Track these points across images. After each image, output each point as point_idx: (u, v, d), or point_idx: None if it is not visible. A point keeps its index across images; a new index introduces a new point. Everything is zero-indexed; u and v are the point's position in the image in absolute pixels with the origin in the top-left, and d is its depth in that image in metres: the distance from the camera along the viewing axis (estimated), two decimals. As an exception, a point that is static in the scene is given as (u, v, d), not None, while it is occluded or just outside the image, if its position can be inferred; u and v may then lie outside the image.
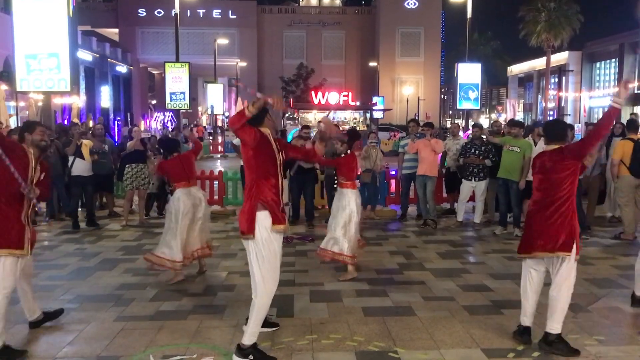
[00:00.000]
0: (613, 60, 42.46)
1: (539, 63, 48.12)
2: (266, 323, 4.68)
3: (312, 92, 39.26)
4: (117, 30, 53.12)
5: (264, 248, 4.26)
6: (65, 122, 26.03)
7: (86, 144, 9.92)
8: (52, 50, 11.38)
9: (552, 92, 47.20)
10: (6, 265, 4.46)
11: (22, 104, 27.69)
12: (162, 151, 7.37)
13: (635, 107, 39.29)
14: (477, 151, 9.57)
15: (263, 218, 4.28)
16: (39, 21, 11.19)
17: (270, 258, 4.30)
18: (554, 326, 4.56)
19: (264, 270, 4.26)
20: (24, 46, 11.58)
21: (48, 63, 11.44)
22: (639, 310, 5.53)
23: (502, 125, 10.95)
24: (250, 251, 4.31)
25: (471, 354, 4.50)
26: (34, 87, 12.46)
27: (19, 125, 17.29)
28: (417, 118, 17.21)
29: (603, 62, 44.55)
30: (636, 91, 38.44)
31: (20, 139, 4.85)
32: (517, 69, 56.92)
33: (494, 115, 62.32)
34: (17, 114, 27.06)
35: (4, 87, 26.34)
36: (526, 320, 4.78)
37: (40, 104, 23.93)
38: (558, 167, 4.51)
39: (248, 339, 4.29)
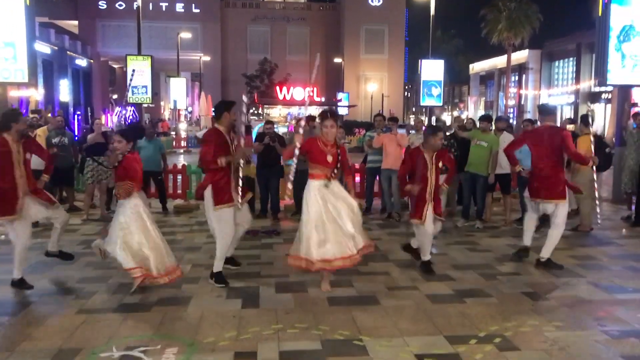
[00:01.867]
0: (571, 59, 43.55)
1: (500, 61, 49.01)
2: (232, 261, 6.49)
3: (277, 88, 39.18)
4: (76, 22, 51.88)
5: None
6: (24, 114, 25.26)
7: (40, 134, 9.64)
8: (8, 39, 11.05)
9: (512, 90, 48.16)
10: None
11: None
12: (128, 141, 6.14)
13: (592, 104, 40.43)
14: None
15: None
16: (-5, 10, 10.88)
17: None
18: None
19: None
20: (-22, 35, 11.20)
21: (4, 53, 11.09)
22: (595, 297, 5.71)
23: (471, 122, 11.10)
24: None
25: (434, 341, 4.57)
26: (-11, 78, 12.05)
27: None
28: (382, 113, 17.30)
29: (561, 60, 45.64)
30: (592, 89, 39.54)
31: (6, 129, 5.75)
32: (478, 67, 57.85)
33: (455, 113, 63.24)
34: (-29, 108, 26.25)
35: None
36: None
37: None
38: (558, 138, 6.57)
39: (217, 268, 6.03)
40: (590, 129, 9.30)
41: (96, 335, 4.66)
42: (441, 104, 27.44)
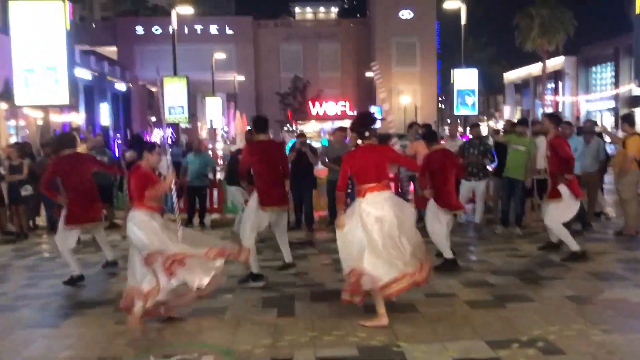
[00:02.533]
0: (609, 63, 42.57)
1: (535, 69, 48.28)
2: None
3: (310, 103, 39.39)
4: (115, 48, 53.37)
5: None
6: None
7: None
8: (50, 64, 11.43)
9: (549, 97, 47.32)
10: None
11: (22, 122, 27.77)
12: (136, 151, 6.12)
13: (633, 108, 39.37)
14: (475, 151, 9.54)
15: None
16: (37, 35, 11.23)
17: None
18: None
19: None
20: (22, 60, 11.60)
21: (46, 77, 11.49)
22: (643, 300, 5.49)
23: (508, 124, 10.93)
24: None
25: (474, 346, 4.45)
26: (32, 101, 12.47)
27: (17, 141, 17.29)
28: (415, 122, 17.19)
29: (599, 65, 44.63)
30: (633, 94, 38.52)
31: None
32: (513, 75, 57.04)
33: (491, 122, 62.41)
34: (17, 134, 27.11)
35: (4, 105, 26.48)
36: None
37: (39, 122, 24.01)
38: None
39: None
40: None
41: (134, 344, 4.70)
42: (476, 113, 27.10)
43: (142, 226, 5.06)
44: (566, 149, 7.17)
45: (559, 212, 7.11)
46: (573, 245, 7.04)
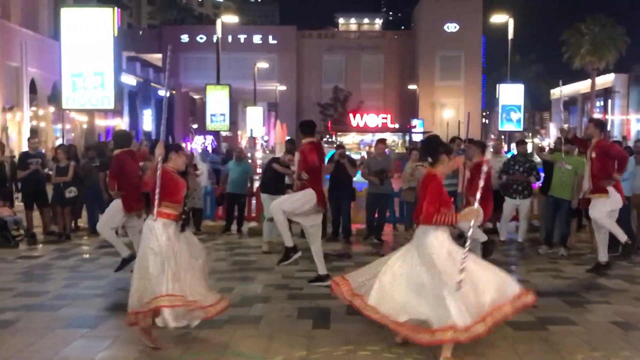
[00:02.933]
0: (662, 82, 41.33)
1: (583, 86, 47.19)
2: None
3: (350, 115, 39.37)
4: (160, 55, 54.56)
5: None
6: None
7: None
8: (98, 69, 11.75)
9: (597, 116, 46.12)
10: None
11: (68, 126, 28.61)
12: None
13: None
14: (521, 168, 9.31)
15: None
16: (85, 42, 11.59)
17: None
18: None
19: None
20: (70, 65, 11.97)
21: (93, 81, 11.80)
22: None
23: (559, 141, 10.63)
24: None
25: (515, 369, 4.29)
26: (79, 104, 12.82)
27: (63, 143, 17.76)
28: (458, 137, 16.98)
29: (652, 83, 43.34)
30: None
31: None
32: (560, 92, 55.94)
33: (537, 140, 61.20)
34: (63, 136, 27.95)
35: (52, 109, 27.37)
36: None
37: (84, 126, 24.74)
38: None
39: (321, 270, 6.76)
40: None
41: (169, 349, 4.70)
42: (521, 129, 26.59)
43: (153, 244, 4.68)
44: (618, 148, 7.00)
45: (608, 203, 6.94)
46: (621, 236, 6.83)
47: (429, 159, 4.85)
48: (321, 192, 6.75)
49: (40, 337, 4.99)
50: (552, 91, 57.18)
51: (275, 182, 9.42)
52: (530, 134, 65.65)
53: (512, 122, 23.53)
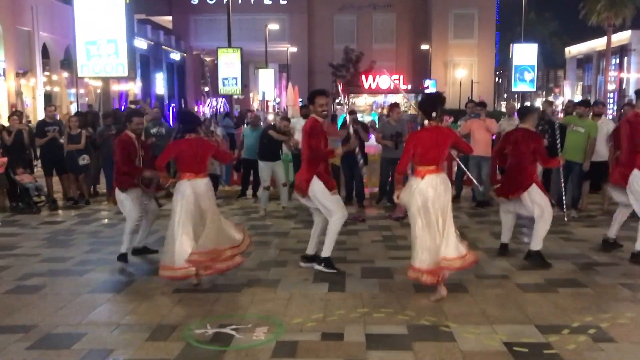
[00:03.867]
0: (680, 38, 40.43)
1: (599, 43, 46.30)
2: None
3: (362, 76, 39.02)
4: (170, 18, 54.08)
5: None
6: (122, 108, 26.84)
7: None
8: (111, 36, 11.79)
9: (612, 74, 45.35)
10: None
11: (81, 91, 28.74)
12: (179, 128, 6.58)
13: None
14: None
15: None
16: (98, 9, 11.61)
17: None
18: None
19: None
20: (84, 33, 12.02)
21: (107, 49, 11.87)
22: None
23: (571, 105, 10.59)
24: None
25: (524, 330, 4.46)
26: (93, 72, 12.93)
27: (79, 110, 17.94)
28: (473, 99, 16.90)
29: (669, 40, 42.46)
30: None
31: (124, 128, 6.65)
32: (575, 50, 54.89)
33: (550, 98, 60.46)
34: (77, 101, 28.12)
35: (65, 74, 27.46)
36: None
37: (99, 90, 24.86)
38: None
39: (326, 252, 5.95)
40: None
41: (192, 312, 4.92)
42: (534, 90, 26.38)
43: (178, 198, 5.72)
44: None
45: None
46: None
47: (433, 114, 5.35)
48: (323, 176, 5.88)
49: (68, 301, 5.22)
50: (567, 49, 56.24)
51: (271, 149, 9.55)
52: (543, 93, 64.83)
53: (525, 82, 23.34)
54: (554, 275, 5.90)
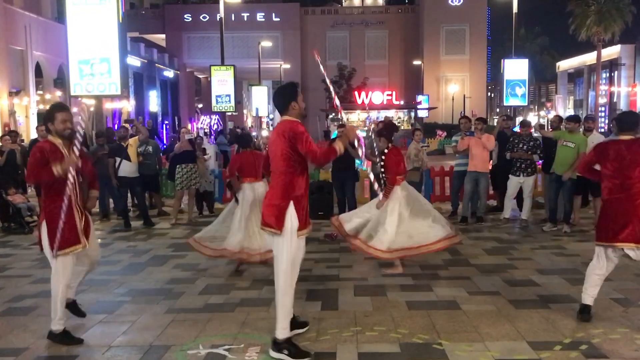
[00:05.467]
0: (668, 52, 40.95)
1: (589, 58, 46.83)
2: (297, 323, 4.73)
3: (355, 92, 39.24)
4: (164, 36, 54.38)
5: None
6: (116, 126, 26.87)
7: (131, 144, 10.20)
8: (104, 55, 11.86)
9: (603, 88, 45.80)
10: (66, 261, 4.75)
11: (74, 109, 28.74)
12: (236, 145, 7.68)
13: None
14: (525, 146, 9.42)
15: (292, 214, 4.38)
16: (91, 28, 11.69)
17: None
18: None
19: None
20: (77, 52, 12.08)
21: (100, 68, 11.93)
22: (693, 305, 5.37)
23: (557, 119, 10.70)
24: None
25: (517, 347, 4.47)
26: (86, 91, 12.98)
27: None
28: (464, 115, 16.97)
29: (658, 54, 42.99)
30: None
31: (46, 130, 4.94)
32: (566, 64, 55.48)
33: (542, 113, 60.92)
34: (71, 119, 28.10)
35: (58, 93, 27.50)
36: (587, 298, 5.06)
37: (92, 109, 24.88)
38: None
39: (280, 333, 4.37)
40: None
41: (184, 333, 4.90)
42: (526, 104, 26.60)
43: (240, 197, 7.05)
44: None
45: None
46: None
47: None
48: (300, 201, 4.45)
49: (60, 322, 5.17)
50: (557, 64, 56.80)
51: None
52: (535, 107, 65.27)
53: (517, 97, 23.52)
54: (545, 291, 5.92)
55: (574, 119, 9.30)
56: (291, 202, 4.35)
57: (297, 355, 4.29)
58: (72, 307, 5.09)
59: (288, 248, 4.35)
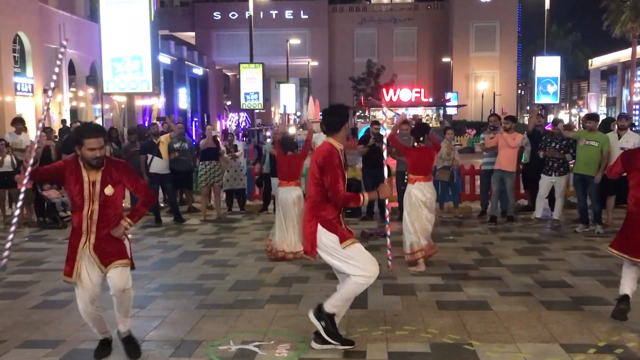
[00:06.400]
0: None
1: (623, 54, 45.72)
2: (344, 340, 4.48)
3: (383, 90, 39.03)
4: (193, 33, 54.88)
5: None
6: (146, 123, 27.23)
7: (162, 141, 10.32)
8: (136, 53, 12.04)
9: (638, 85, 44.71)
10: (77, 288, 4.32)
11: (106, 106, 29.25)
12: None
13: None
14: (557, 145, 9.27)
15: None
16: (124, 26, 11.88)
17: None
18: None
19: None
20: (110, 50, 12.30)
21: (132, 65, 12.11)
22: None
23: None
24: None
25: (549, 349, 4.41)
26: (119, 88, 13.21)
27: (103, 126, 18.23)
28: (493, 112, 16.79)
29: (695, 51, 41.73)
30: None
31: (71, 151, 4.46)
32: (599, 61, 54.31)
33: (574, 111, 59.83)
34: (102, 116, 28.61)
35: (91, 90, 28.00)
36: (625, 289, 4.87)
37: (123, 106, 25.30)
38: None
39: (329, 306, 4.39)
40: None
41: (215, 328, 4.95)
42: (557, 102, 26.15)
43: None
44: None
45: None
46: None
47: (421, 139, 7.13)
48: (329, 219, 4.43)
49: (94, 316, 5.27)
50: (590, 61, 55.66)
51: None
52: (567, 105, 64.14)
53: (548, 94, 23.18)
54: (578, 292, 5.82)
55: (593, 117, 9.17)
56: (318, 224, 4.36)
57: (330, 333, 4.34)
58: (124, 343, 4.42)
59: (343, 262, 4.34)
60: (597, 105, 54.69)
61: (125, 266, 4.38)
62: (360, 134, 17.43)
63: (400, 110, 38.15)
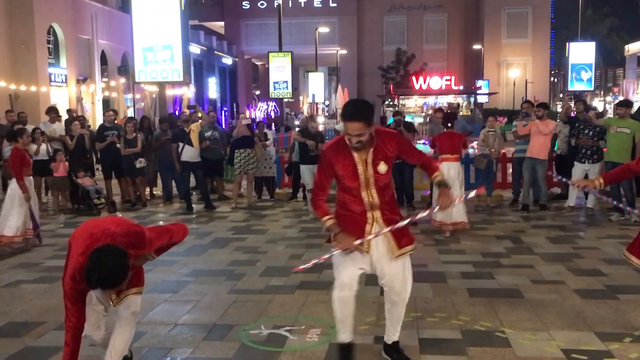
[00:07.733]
0: None
1: (661, 40, 44.42)
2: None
3: (413, 78, 38.66)
4: (222, 23, 55.07)
5: None
6: (177, 112, 27.51)
7: (193, 129, 10.41)
8: (167, 42, 12.17)
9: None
10: None
11: (137, 96, 29.61)
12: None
13: None
14: (590, 132, 9.09)
15: None
16: (155, 15, 12.00)
17: None
18: None
19: None
20: (141, 40, 12.45)
21: (163, 55, 12.25)
22: None
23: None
24: None
25: (583, 337, 4.34)
26: (150, 77, 13.38)
27: (132, 116, 18.48)
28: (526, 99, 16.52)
29: None
30: None
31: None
32: (635, 47, 52.71)
33: (609, 98, 58.41)
34: (133, 106, 28.99)
35: (122, 80, 28.37)
36: None
37: (154, 95, 25.62)
38: None
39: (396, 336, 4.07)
40: None
41: (246, 313, 5.01)
42: (592, 89, 25.56)
43: None
44: None
45: None
46: None
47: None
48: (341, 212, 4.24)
49: (128, 300, 5.38)
50: (626, 46, 54.18)
51: (308, 153, 9.66)
52: (601, 92, 62.70)
53: (582, 81, 22.68)
54: (613, 281, 5.72)
55: (625, 103, 8.98)
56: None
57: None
58: None
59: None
60: (633, 92, 53.31)
61: None
62: (390, 122, 17.35)
63: (431, 98, 37.77)
